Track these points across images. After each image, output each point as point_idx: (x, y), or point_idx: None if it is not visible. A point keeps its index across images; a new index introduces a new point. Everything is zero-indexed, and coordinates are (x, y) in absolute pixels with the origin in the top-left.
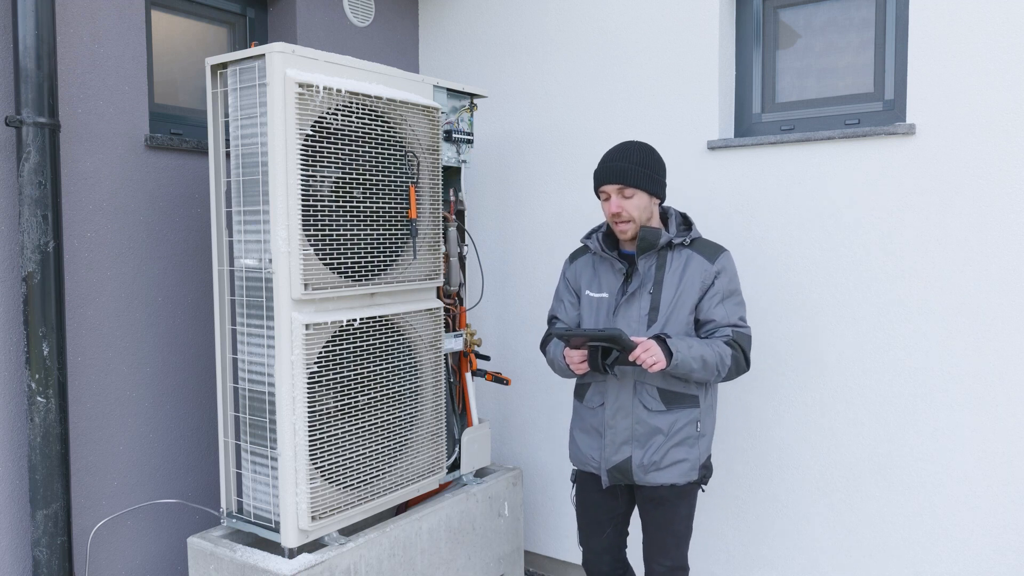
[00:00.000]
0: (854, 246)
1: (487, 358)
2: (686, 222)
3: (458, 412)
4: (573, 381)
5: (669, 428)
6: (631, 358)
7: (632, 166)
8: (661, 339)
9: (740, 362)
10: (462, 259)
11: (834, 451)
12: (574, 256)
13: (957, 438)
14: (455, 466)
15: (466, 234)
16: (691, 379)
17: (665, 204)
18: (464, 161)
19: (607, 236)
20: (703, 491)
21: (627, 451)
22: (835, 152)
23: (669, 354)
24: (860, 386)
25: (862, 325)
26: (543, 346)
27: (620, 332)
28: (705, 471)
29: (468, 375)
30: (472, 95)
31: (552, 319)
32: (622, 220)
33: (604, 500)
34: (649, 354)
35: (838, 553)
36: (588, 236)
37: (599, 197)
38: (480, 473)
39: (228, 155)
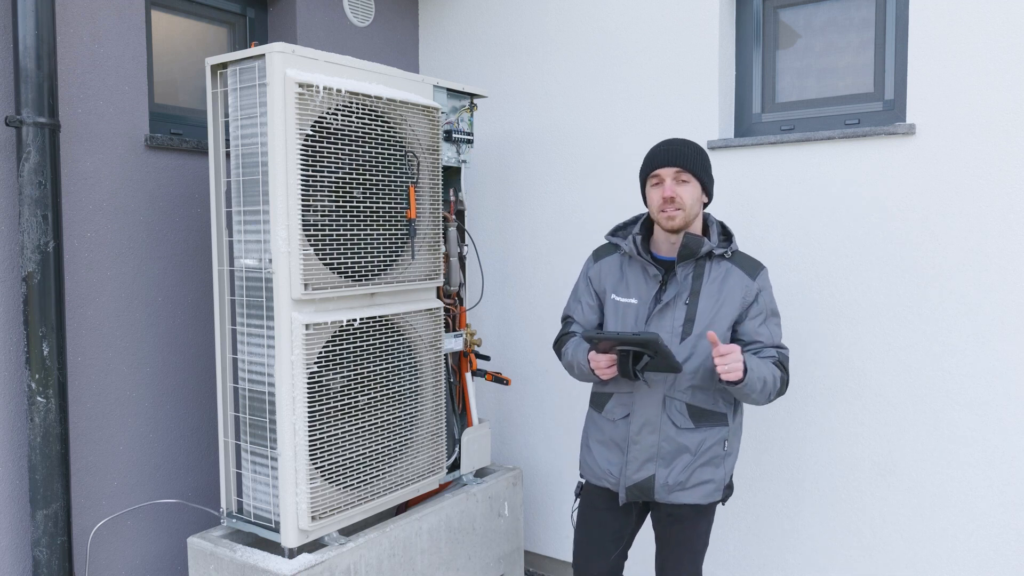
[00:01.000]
0: (853, 246)
1: (487, 358)
2: (725, 232)
3: (458, 412)
4: (583, 386)
5: (697, 447)
6: (716, 361)
7: (690, 152)
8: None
9: (785, 385)
10: (462, 259)
11: (834, 450)
12: (599, 254)
13: (957, 438)
14: (455, 466)
15: (466, 234)
16: (746, 400)
17: (705, 211)
18: (464, 161)
19: (643, 238)
20: (722, 506)
21: (651, 469)
22: (835, 152)
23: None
24: (860, 386)
25: (862, 325)
26: (558, 346)
27: (657, 336)
28: (728, 491)
29: (468, 375)
30: (472, 95)
31: (567, 319)
32: (674, 208)
33: (614, 519)
34: (728, 360)
35: (838, 553)
36: (617, 234)
37: (646, 185)
38: (480, 473)
39: (228, 155)
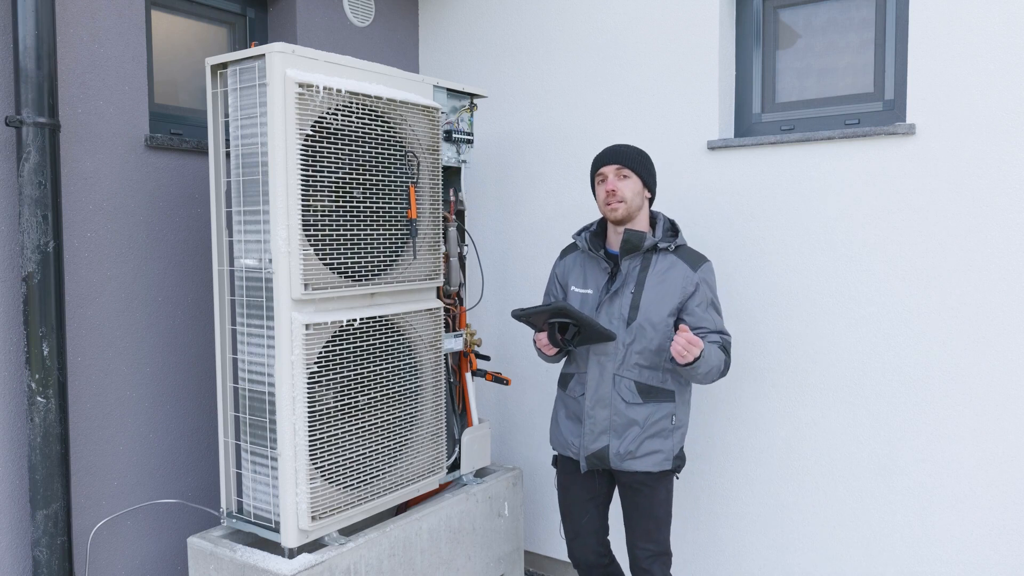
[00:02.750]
0: (854, 246)
1: (487, 358)
2: (673, 228)
3: (458, 412)
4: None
5: (645, 420)
6: (680, 340)
7: (630, 151)
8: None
9: (727, 366)
10: (462, 259)
11: (834, 452)
12: (564, 253)
13: (956, 438)
14: (455, 466)
15: (466, 234)
16: (690, 378)
17: (655, 210)
18: (464, 161)
19: (595, 235)
20: (677, 479)
21: (605, 440)
22: (835, 152)
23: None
24: (859, 386)
25: (862, 325)
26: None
27: (565, 304)
28: (679, 461)
29: (468, 375)
30: (472, 95)
31: None
32: (616, 200)
33: (585, 480)
34: (685, 347)
35: (838, 554)
36: (578, 233)
37: (594, 184)
38: (480, 473)
39: (228, 155)
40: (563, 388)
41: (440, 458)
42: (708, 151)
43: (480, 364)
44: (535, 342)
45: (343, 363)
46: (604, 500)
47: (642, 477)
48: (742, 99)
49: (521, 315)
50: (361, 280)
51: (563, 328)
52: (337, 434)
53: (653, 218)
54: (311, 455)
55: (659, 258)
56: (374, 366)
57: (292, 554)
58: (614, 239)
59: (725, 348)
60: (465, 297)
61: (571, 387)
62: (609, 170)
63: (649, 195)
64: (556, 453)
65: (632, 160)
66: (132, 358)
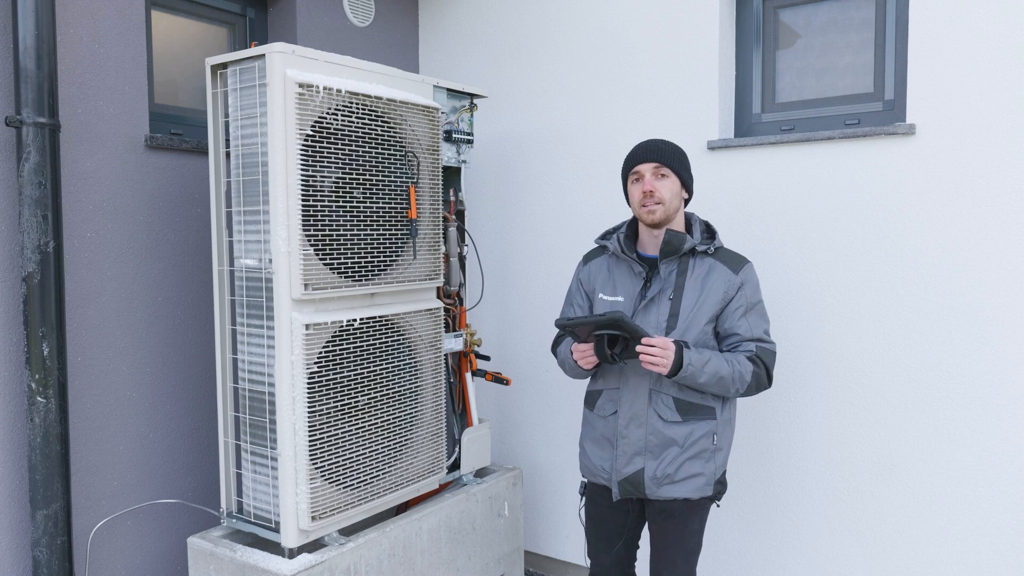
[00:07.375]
0: (854, 246)
1: (487, 358)
2: (709, 230)
3: (458, 412)
4: (577, 383)
5: (684, 440)
6: (637, 350)
7: (668, 147)
8: (679, 346)
9: (762, 379)
10: (462, 259)
11: (834, 451)
12: (588, 257)
13: (957, 438)
14: (455, 466)
15: (466, 234)
16: (703, 392)
17: (688, 211)
18: (464, 161)
19: (627, 238)
20: (717, 507)
21: (640, 463)
22: (835, 152)
23: (679, 364)
24: (860, 386)
25: (862, 325)
26: (554, 348)
27: (621, 315)
28: (720, 487)
29: (468, 375)
30: (472, 95)
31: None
32: (654, 201)
33: (614, 514)
34: (655, 352)
35: (838, 553)
36: (605, 237)
37: (628, 182)
38: (480, 473)
39: (228, 155)
40: (590, 407)
41: (440, 458)
42: (708, 151)
43: (480, 364)
44: (570, 353)
45: (343, 363)
46: (634, 533)
47: (677, 505)
48: (742, 99)
49: (567, 324)
50: (361, 280)
51: (611, 341)
52: (337, 434)
53: (688, 220)
54: (311, 455)
55: (697, 261)
56: (374, 366)
57: (292, 554)
58: (648, 242)
59: (760, 358)
60: (465, 297)
61: (599, 406)
62: (646, 168)
63: (686, 195)
64: (584, 480)
65: (671, 157)
66: (132, 358)
